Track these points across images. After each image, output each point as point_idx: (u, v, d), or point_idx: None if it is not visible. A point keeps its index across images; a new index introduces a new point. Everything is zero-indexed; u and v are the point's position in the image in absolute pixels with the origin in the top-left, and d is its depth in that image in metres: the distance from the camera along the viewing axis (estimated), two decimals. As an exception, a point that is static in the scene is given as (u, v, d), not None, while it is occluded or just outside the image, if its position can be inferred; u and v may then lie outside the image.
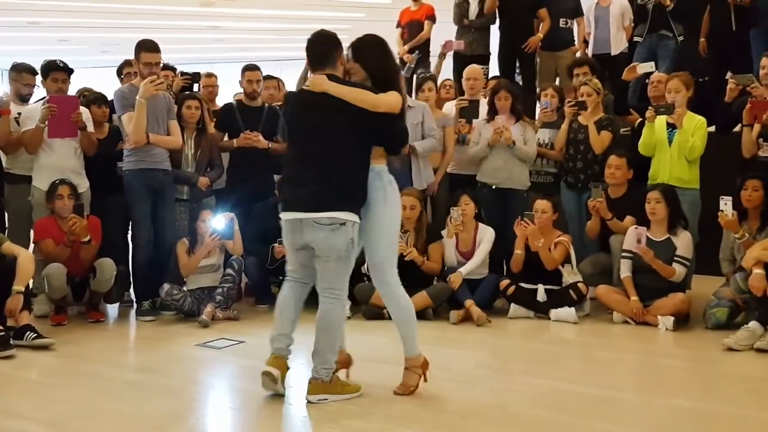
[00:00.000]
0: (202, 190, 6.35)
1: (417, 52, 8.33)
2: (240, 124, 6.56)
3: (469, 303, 5.75)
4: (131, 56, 6.01)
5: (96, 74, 10.55)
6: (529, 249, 5.97)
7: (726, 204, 5.42)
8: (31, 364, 4.73)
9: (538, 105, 7.27)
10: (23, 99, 6.18)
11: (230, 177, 6.64)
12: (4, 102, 5.85)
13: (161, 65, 6.02)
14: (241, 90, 6.80)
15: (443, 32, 8.55)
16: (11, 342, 4.84)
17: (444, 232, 6.09)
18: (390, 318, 5.67)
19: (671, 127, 6.08)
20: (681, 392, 4.26)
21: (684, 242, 5.68)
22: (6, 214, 6.10)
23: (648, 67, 6.69)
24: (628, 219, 5.96)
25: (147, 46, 5.76)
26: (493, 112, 6.58)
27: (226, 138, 6.66)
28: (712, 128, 6.41)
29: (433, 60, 8.62)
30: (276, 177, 6.45)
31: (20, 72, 6.18)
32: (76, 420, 3.75)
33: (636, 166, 6.19)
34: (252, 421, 3.89)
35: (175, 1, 12.81)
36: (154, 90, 5.62)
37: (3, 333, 4.83)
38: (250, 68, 6.71)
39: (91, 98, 6.31)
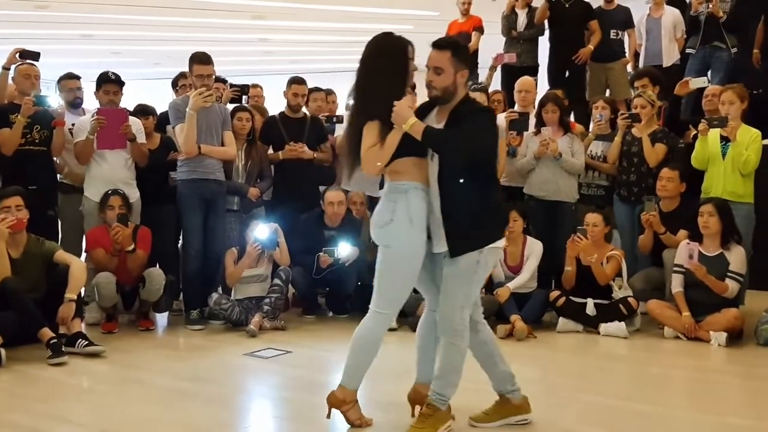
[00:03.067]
0: (252, 201, 6.40)
1: (464, 64, 8.30)
2: (284, 135, 6.61)
3: (514, 318, 5.70)
4: (183, 68, 6.10)
5: (148, 86, 10.74)
6: (580, 263, 5.89)
7: None
8: (83, 371, 4.81)
9: (591, 117, 7.20)
10: (73, 105, 6.31)
11: (276, 189, 6.69)
12: (59, 114, 5.96)
13: (214, 77, 6.09)
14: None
15: (491, 44, 8.53)
16: (63, 349, 4.91)
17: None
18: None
19: (725, 140, 5.95)
20: (733, 410, 4.17)
21: (737, 257, 5.56)
22: (60, 224, 6.21)
23: (701, 82, 6.58)
24: (682, 233, 5.84)
25: (199, 59, 5.84)
26: (540, 125, 6.52)
27: (270, 150, 6.71)
28: (767, 141, 6.28)
29: (482, 72, 8.60)
30: (321, 188, 6.49)
31: (62, 81, 6.39)
32: (125, 427, 3.80)
33: (690, 180, 6.09)
34: (298, 430, 3.90)
35: (226, 14, 12.96)
36: (202, 102, 5.69)
37: (55, 340, 4.91)
38: (297, 81, 6.73)
39: (138, 110, 6.37)
